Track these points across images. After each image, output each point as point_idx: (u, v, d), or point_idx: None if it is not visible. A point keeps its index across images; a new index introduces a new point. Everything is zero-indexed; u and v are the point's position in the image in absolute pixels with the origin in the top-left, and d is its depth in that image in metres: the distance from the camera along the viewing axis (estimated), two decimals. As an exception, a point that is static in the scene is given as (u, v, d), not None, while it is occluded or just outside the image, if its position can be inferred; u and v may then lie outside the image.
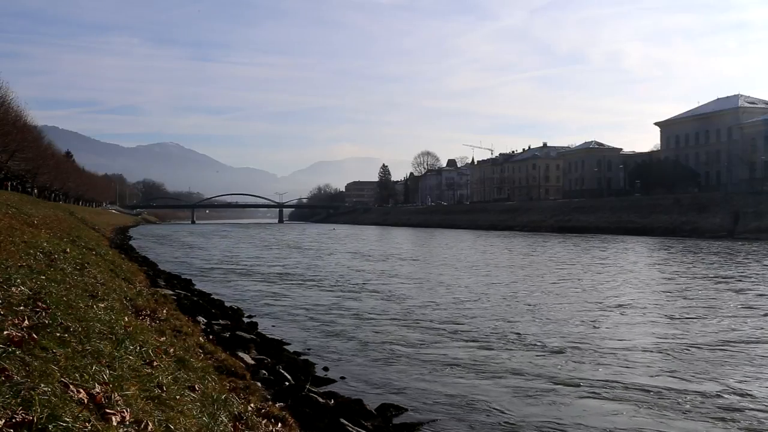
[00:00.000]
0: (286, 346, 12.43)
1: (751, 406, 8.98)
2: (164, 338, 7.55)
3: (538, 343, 13.11)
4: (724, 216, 63.50)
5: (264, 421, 6.03)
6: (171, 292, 16.49)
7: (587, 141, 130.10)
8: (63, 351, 4.37)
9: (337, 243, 61.93)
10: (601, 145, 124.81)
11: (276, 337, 13.35)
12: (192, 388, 5.48)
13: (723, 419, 8.44)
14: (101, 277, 10.97)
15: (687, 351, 12.41)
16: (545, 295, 20.96)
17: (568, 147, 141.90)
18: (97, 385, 3.93)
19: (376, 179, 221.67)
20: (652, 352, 12.37)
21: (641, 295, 20.77)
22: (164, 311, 10.28)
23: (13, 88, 52.10)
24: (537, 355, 12.10)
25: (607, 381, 10.26)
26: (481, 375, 10.72)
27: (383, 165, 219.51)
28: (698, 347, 12.70)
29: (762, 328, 14.67)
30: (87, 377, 4.01)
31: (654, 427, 8.19)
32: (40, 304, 5.63)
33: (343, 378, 10.48)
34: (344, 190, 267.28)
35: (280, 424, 6.22)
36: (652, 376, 10.53)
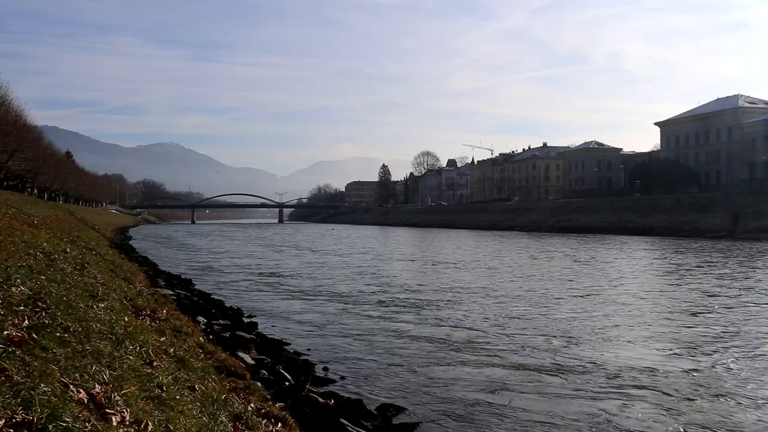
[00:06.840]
0: (286, 346, 12.44)
1: (753, 405, 8.99)
2: (164, 338, 7.54)
3: (541, 344, 13.11)
4: (724, 216, 63.46)
5: (264, 421, 6.02)
6: (171, 292, 16.49)
7: (587, 141, 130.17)
8: (63, 351, 4.37)
9: (337, 243, 61.93)
10: (601, 145, 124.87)
11: (276, 337, 13.35)
12: (192, 388, 5.48)
13: (725, 419, 8.45)
14: (101, 277, 10.96)
15: (694, 352, 12.42)
16: (552, 295, 20.95)
17: (568, 147, 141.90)
18: (97, 385, 3.93)
19: (376, 179, 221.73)
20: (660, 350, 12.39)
21: (660, 296, 20.78)
22: (164, 311, 10.27)
23: (14, 88, 52.37)
24: (539, 356, 12.10)
25: (612, 381, 10.27)
26: (482, 374, 10.71)
27: (383, 165, 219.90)
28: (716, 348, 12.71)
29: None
30: (87, 377, 4.01)
31: (655, 426, 8.21)
32: (40, 304, 5.63)
33: (343, 378, 10.48)
34: (344, 190, 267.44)
35: (280, 424, 6.22)
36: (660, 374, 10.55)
